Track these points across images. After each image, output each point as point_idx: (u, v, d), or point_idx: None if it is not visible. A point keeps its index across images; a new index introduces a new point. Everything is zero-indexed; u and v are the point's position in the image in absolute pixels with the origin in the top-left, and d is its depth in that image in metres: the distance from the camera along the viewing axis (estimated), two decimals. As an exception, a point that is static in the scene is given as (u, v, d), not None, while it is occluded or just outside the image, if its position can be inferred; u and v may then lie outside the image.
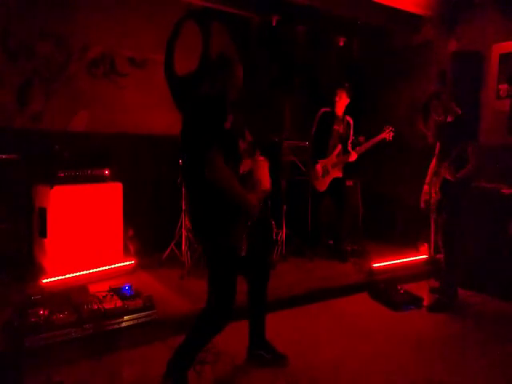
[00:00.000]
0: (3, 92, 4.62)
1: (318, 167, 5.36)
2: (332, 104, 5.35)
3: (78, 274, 4.24)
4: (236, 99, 2.83)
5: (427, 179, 4.36)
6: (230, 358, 3.15)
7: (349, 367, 3.16)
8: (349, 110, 5.50)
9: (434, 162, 4.32)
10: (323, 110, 5.43)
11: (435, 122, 4.23)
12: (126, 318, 3.35)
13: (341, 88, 5.31)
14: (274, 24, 5.80)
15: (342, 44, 6.51)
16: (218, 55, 2.88)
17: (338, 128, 5.37)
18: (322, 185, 5.39)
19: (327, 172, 5.35)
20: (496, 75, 5.23)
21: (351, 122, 5.45)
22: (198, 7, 5.66)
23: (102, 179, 4.67)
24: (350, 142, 5.45)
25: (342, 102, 5.30)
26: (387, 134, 5.27)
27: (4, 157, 4.34)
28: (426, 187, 4.35)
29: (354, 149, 5.36)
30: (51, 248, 4.28)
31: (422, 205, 4.36)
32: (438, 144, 4.33)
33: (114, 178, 4.76)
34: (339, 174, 5.40)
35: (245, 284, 3.09)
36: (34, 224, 4.54)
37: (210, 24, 5.85)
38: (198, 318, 2.75)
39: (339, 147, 5.37)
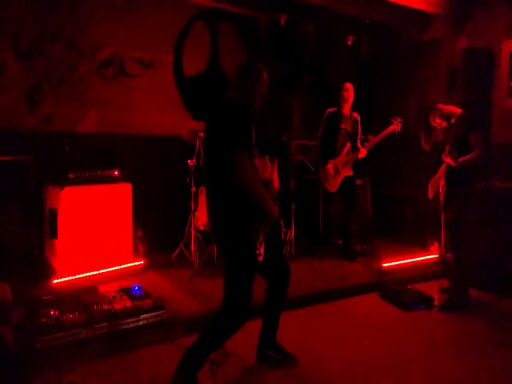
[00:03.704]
0: (14, 94, 4.67)
1: (329, 167, 5.33)
2: (339, 102, 5.32)
3: (88, 274, 4.27)
4: (260, 105, 2.90)
5: (435, 177, 4.35)
6: (239, 358, 3.15)
7: (359, 368, 3.14)
8: (358, 109, 5.47)
9: (444, 166, 4.29)
10: (329, 110, 5.41)
11: (441, 129, 4.25)
12: (135, 318, 3.37)
13: (347, 81, 5.30)
14: (282, 23, 5.78)
15: (350, 43, 6.49)
16: (247, 63, 2.95)
17: (346, 126, 5.34)
18: (333, 185, 5.36)
19: (338, 171, 5.32)
20: (507, 72, 5.17)
21: (358, 118, 5.41)
22: (207, 8, 5.67)
23: (111, 180, 4.70)
24: (358, 138, 5.40)
25: (351, 95, 5.25)
26: (395, 126, 5.21)
27: (15, 158, 4.38)
28: (432, 181, 4.35)
29: (362, 145, 5.33)
30: (62, 248, 4.32)
31: (431, 196, 4.38)
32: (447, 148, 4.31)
33: (123, 178, 4.79)
34: (350, 172, 5.37)
35: (258, 285, 3.10)
36: (45, 225, 4.58)
37: (218, 24, 5.85)
38: (212, 319, 2.76)
39: (348, 145, 5.33)
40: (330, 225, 5.59)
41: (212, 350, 2.79)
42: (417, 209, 5.95)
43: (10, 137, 4.48)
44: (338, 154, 5.34)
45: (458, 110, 4.11)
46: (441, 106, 4.20)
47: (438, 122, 4.18)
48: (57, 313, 3.19)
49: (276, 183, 3.01)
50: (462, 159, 3.97)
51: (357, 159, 5.31)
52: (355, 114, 5.40)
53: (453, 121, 4.10)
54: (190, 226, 4.85)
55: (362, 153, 5.25)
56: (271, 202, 2.73)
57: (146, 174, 5.23)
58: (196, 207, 4.85)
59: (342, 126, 5.33)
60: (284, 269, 3.06)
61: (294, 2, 5.36)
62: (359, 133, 5.42)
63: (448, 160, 4.04)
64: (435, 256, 5.29)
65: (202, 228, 4.85)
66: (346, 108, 5.32)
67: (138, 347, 3.29)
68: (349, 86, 5.28)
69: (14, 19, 4.62)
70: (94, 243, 4.47)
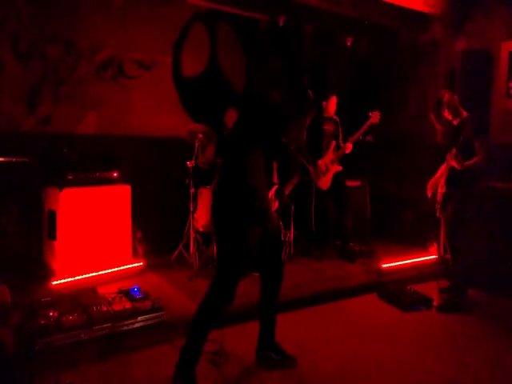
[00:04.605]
0: (13, 95, 4.67)
1: (320, 164, 5.39)
2: (322, 109, 5.54)
3: (87, 275, 4.27)
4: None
5: (435, 176, 4.34)
6: (239, 359, 3.15)
7: (358, 368, 3.15)
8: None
9: (444, 165, 4.28)
10: None
11: (445, 120, 4.25)
12: (134, 319, 3.37)
13: (332, 94, 5.62)
14: (281, 24, 5.79)
15: (349, 44, 6.51)
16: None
17: (329, 127, 5.59)
18: (325, 183, 5.43)
19: (327, 169, 5.41)
20: (506, 73, 5.18)
21: (338, 119, 5.65)
22: (206, 9, 5.67)
23: (110, 181, 4.70)
24: (340, 138, 5.58)
25: (332, 106, 5.58)
26: (374, 119, 5.37)
27: (14, 160, 4.38)
28: (432, 181, 4.36)
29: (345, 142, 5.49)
30: (61, 250, 4.32)
31: (429, 194, 4.38)
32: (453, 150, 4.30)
33: (122, 180, 4.79)
34: (339, 168, 5.49)
35: (253, 286, 3.10)
36: (44, 226, 4.58)
37: (217, 26, 5.85)
38: (199, 307, 2.80)
39: (333, 143, 5.49)
40: (326, 223, 5.63)
41: (203, 338, 2.79)
42: (416, 209, 5.95)
43: (8, 138, 4.48)
44: (325, 153, 5.48)
45: (463, 113, 4.13)
46: (456, 100, 4.18)
47: (446, 113, 4.19)
48: (56, 314, 3.19)
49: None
50: (466, 163, 3.97)
51: (344, 154, 5.42)
52: (335, 117, 5.65)
53: (455, 122, 4.12)
54: (189, 228, 4.85)
55: (349, 147, 5.41)
56: (270, 208, 2.78)
57: (145, 176, 5.23)
58: (195, 208, 4.85)
59: (325, 127, 5.59)
60: (277, 267, 3.07)
61: (293, 3, 5.37)
62: (340, 134, 5.61)
63: (453, 163, 4.04)
64: (434, 257, 5.29)
65: (201, 229, 4.85)
66: (327, 113, 5.61)
67: (138, 349, 3.29)
68: (333, 98, 5.59)
69: (13, 20, 4.62)
70: (93, 245, 4.46)
